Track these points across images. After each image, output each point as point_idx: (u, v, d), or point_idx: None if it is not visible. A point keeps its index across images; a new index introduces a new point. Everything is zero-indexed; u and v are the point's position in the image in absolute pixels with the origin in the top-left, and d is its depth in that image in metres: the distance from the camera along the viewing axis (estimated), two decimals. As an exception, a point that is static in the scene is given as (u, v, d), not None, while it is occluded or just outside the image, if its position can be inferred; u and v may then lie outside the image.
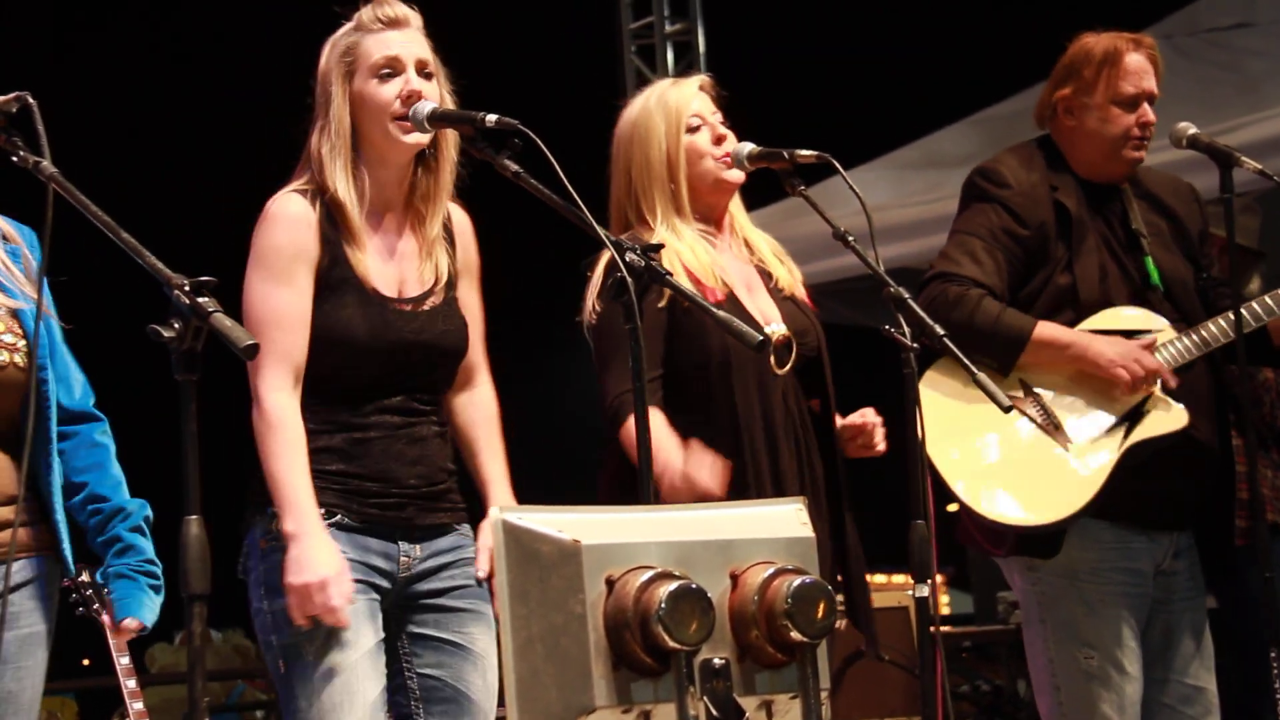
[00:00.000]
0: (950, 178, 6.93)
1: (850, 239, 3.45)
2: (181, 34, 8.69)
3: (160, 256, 2.52)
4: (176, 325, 2.44)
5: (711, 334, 3.46)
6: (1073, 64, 3.92)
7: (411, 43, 3.17)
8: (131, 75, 8.79)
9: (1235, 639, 5.24)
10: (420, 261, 3.19)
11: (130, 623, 3.36)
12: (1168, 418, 3.76)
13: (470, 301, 3.27)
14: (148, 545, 3.24)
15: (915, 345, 3.30)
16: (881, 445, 3.62)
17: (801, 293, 3.70)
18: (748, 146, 3.58)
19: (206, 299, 2.45)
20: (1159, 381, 3.77)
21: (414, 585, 3.15)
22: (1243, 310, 3.73)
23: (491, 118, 3.03)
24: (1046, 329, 3.78)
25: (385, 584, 3.11)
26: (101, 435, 3.20)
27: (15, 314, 3.00)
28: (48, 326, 3.06)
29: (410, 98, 3.12)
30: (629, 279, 2.92)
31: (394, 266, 3.17)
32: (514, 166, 3.02)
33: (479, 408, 3.30)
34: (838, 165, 3.48)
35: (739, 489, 3.42)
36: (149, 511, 3.24)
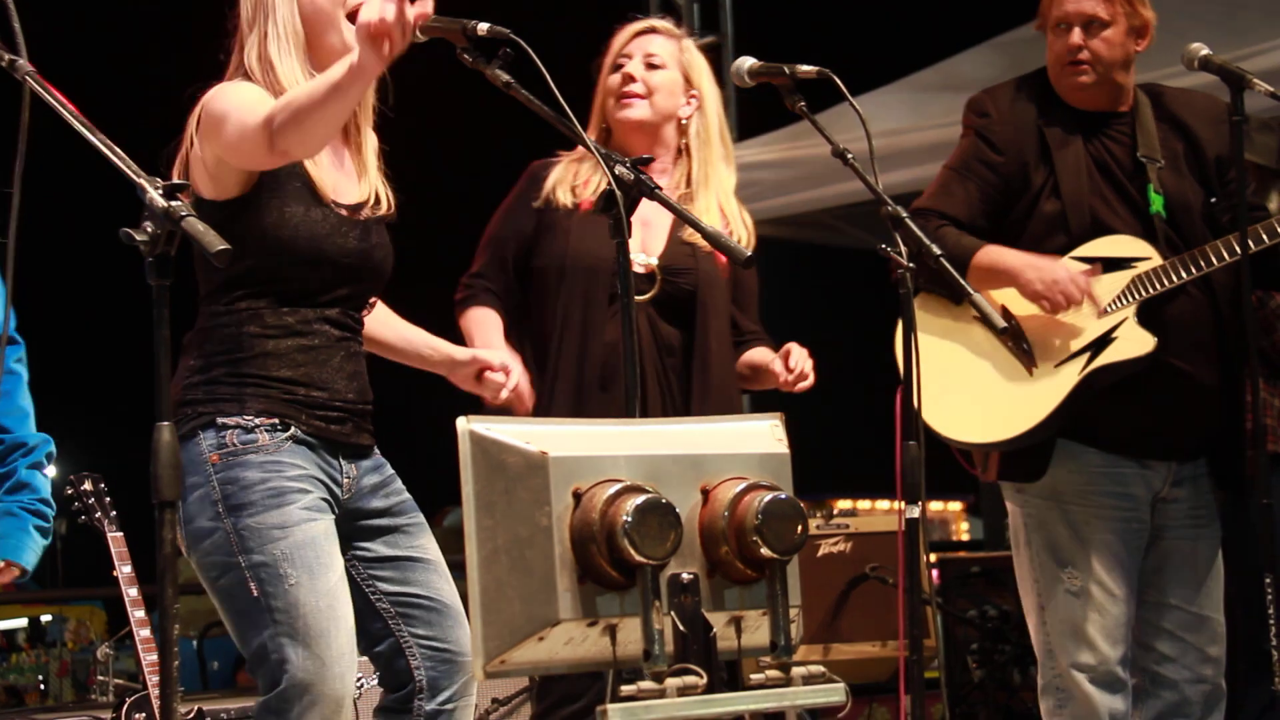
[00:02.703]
0: (969, 101, 6.89)
1: (849, 156, 3.42)
2: None
3: (136, 160, 2.50)
4: (149, 228, 2.41)
5: (558, 240, 3.81)
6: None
7: None
8: None
9: (1238, 567, 5.22)
10: (357, 174, 3.15)
11: (6, 566, 3.18)
12: (1134, 343, 3.73)
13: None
14: (44, 484, 3.13)
15: (911, 265, 3.28)
16: (806, 382, 3.82)
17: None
18: (748, 61, 3.54)
19: (179, 202, 2.42)
20: (1134, 304, 3.74)
21: (358, 505, 3.08)
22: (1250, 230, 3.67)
23: (483, 26, 2.96)
24: (988, 255, 3.80)
25: (335, 507, 3.04)
26: (17, 362, 3.09)
27: None
28: None
29: (354, 8, 3.03)
30: (618, 192, 2.89)
31: (333, 173, 3.11)
32: (505, 76, 2.98)
33: (379, 311, 3.30)
34: (838, 81, 3.44)
35: (539, 392, 3.74)
36: (52, 448, 3.13)
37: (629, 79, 3.87)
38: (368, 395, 3.14)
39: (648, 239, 3.83)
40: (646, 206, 3.62)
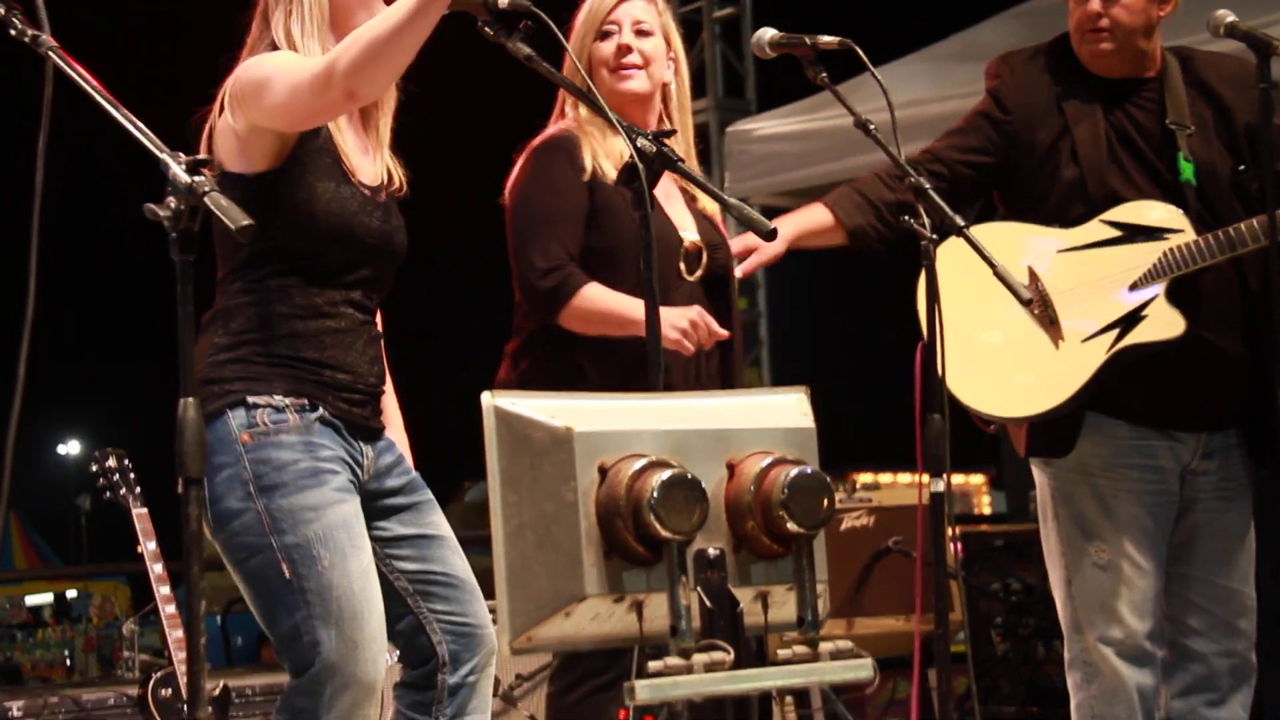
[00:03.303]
0: (991, 71, 6.85)
1: (872, 127, 3.40)
2: None
3: (160, 136, 2.49)
4: (172, 203, 2.40)
5: (626, 221, 3.55)
6: None
7: None
8: None
9: (1271, 541, 5.19)
10: (373, 154, 3.13)
11: None
12: (1163, 325, 3.69)
13: None
14: None
15: (934, 236, 3.26)
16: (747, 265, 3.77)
17: (718, 219, 3.86)
18: (769, 33, 3.52)
19: (203, 177, 2.41)
20: (1165, 278, 3.70)
21: (376, 486, 3.08)
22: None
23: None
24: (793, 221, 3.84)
25: (358, 488, 3.04)
26: None
27: None
28: None
29: None
30: (640, 165, 2.88)
31: (357, 154, 3.10)
32: (526, 49, 2.97)
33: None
34: (860, 51, 3.42)
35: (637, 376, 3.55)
36: None
37: (625, 49, 3.74)
38: (383, 379, 3.14)
39: (676, 216, 3.76)
40: (661, 182, 3.57)
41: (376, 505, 3.08)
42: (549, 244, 3.62)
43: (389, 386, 3.23)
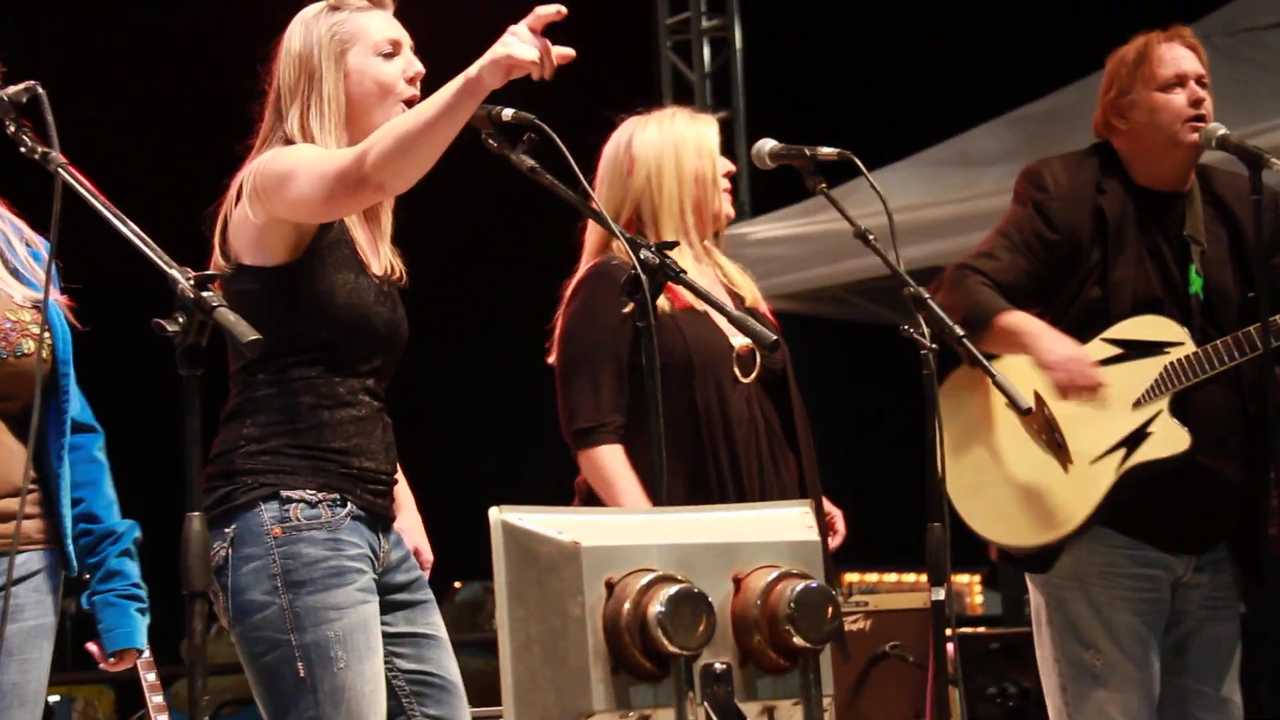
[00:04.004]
0: (983, 176, 6.92)
1: (871, 238, 3.43)
2: (183, 25, 8.71)
3: (165, 249, 2.51)
4: (181, 319, 2.42)
5: (673, 337, 3.63)
6: (1112, 72, 3.89)
7: (400, 27, 3.14)
8: (136, 65, 8.80)
9: (1265, 648, 5.20)
10: (378, 247, 3.15)
11: (128, 654, 3.19)
12: (1169, 441, 3.70)
13: None
14: (134, 569, 3.15)
15: (934, 345, 3.28)
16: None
17: (764, 308, 3.90)
18: (769, 144, 3.56)
19: (211, 293, 2.43)
20: (1169, 394, 3.70)
21: (387, 580, 3.07)
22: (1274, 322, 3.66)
23: (508, 112, 2.99)
24: (1010, 317, 3.74)
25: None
26: (99, 451, 3.12)
27: (37, 306, 2.98)
28: (66, 326, 3.03)
29: (416, 79, 3.09)
30: (643, 276, 2.91)
31: (367, 245, 3.12)
32: (529, 161, 3.00)
33: None
34: (859, 163, 3.46)
35: (701, 491, 3.58)
36: (138, 533, 3.16)
37: (729, 173, 3.89)
38: (396, 467, 3.15)
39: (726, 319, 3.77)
40: (707, 285, 3.64)
41: (385, 599, 3.07)
42: (589, 379, 3.68)
43: (399, 473, 3.23)
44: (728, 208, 3.87)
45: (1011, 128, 7.14)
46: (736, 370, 3.72)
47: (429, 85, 3.06)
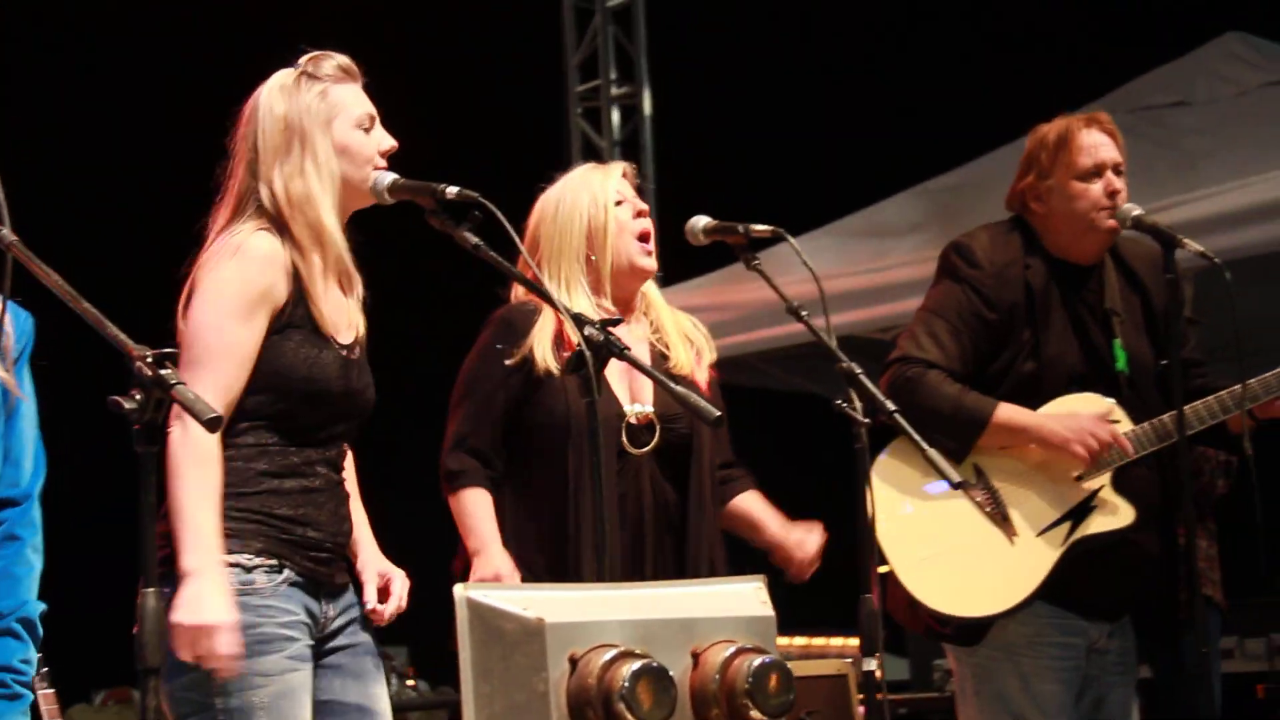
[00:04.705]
0: (895, 246, 7.02)
1: (803, 314, 3.48)
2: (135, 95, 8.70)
3: (117, 322, 2.52)
4: (138, 396, 2.43)
5: (556, 399, 3.58)
6: (1031, 153, 4.00)
7: (367, 99, 3.21)
8: (87, 137, 8.79)
9: (1169, 710, 5.31)
10: (350, 313, 3.18)
11: None
12: (1114, 515, 3.82)
13: None
14: (14, 649, 3.06)
15: (867, 420, 3.33)
16: (805, 573, 3.75)
17: (701, 375, 3.77)
18: (703, 220, 3.61)
19: (169, 370, 2.44)
20: (1110, 468, 3.82)
21: (326, 644, 3.09)
22: (1193, 408, 3.78)
23: (452, 190, 3.04)
24: (1005, 411, 3.83)
25: (313, 649, 3.06)
26: (21, 528, 3.05)
27: None
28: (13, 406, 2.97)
29: (388, 152, 3.16)
30: (588, 353, 2.95)
31: (335, 314, 3.15)
32: (474, 239, 3.05)
33: (348, 468, 3.27)
34: (793, 242, 3.52)
35: (559, 560, 3.51)
36: (30, 612, 3.05)
37: (643, 214, 3.75)
38: (349, 534, 3.17)
39: (636, 387, 3.69)
40: (635, 348, 3.54)
41: (321, 662, 3.09)
42: (465, 421, 3.65)
43: (357, 508, 3.24)
44: (640, 260, 3.71)
45: (921, 199, 7.24)
46: (625, 440, 3.61)
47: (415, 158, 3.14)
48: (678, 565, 3.64)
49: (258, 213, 3.11)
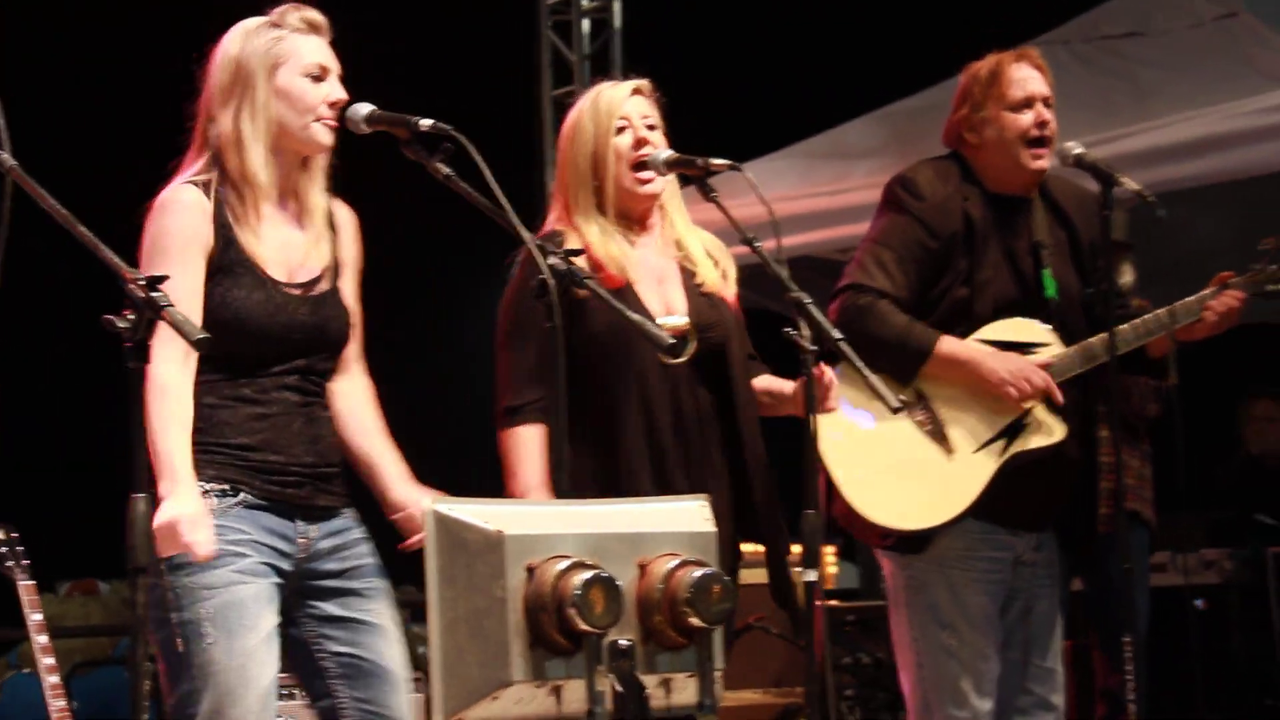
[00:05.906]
0: (855, 169, 7.12)
1: (756, 244, 3.62)
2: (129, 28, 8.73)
3: (115, 248, 2.69)
4: (131, 317, 2.60)
5: (592, 320, 3.60)
6: (965, 88, 4.18)
7: (332, 54, 3.32)
8: (85, 66, 8.83)
9: (1098, 621, 5.58)
10: (307, 249, 3.30)
11: None
12: (1045, 431, 4.01)
13: (350, 295, 3.37)
14: None
15: (814, 348, 3.49)
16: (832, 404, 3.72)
17: (728, 291, 3.84)
18: (665, 152, 3.72)
19: (159, 293, 2.61)
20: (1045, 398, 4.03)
21: (312, 566, 3.24)
22: (1119, 330, 3.99)
23: (426, 122, 3.18)
24: (947, 344, 4.01)
25: (287, 566, 3.20)
26: None
27: None
28: None
29: (337, 104, 3.27)
30: (550, 280, 3.12)
31: (284, 252, 3.27)
32: (446, 170, 3.19)
33: (358, 395, 3.39)
34: (749, 177, 3.61)
35: (611, 478, 3.57)
36: None
37: (641, 143, 3.75)
38: (331, 458, 3.30)
39: (669, 297, 3.74)
40: (658, 262, 3.74)
41: (313, 584, 3.25)
42: (527, 374, 3.65)
43: (385, 445, 3.36)
44: (637, 188, 3.73)
45: (883, 123, 7.32)
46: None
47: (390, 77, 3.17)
48: (732, 465, 3.73)
49: (205, 150, 3.27)
